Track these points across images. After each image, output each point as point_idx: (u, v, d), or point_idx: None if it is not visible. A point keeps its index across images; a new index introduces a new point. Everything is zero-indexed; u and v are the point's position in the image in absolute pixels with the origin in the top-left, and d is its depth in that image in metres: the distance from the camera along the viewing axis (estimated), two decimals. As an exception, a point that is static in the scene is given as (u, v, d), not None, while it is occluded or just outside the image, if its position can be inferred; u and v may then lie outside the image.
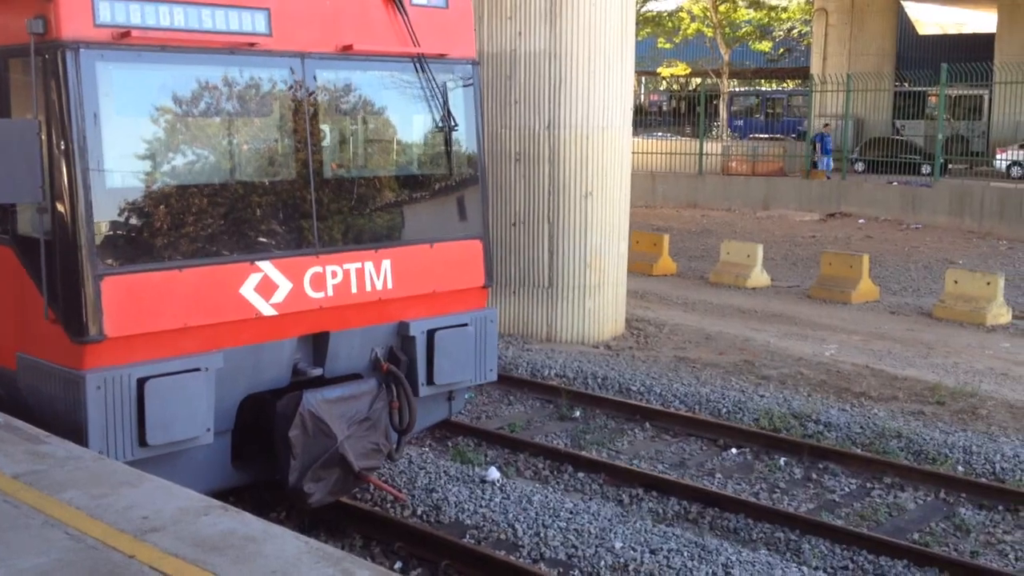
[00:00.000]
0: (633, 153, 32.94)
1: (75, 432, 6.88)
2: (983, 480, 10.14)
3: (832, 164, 33.81)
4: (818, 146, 33.95)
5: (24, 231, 7.18)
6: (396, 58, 8.29)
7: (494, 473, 9.97)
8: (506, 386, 13.31)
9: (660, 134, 43.03)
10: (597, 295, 15.68)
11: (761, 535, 9.12)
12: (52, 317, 6.95)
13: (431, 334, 8.54)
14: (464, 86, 8.77)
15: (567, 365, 14.08)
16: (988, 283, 17.21)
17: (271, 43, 7.55)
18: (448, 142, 8.71)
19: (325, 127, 8.06)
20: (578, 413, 12.42)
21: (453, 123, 8.61)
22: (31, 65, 6.73)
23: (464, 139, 8.85)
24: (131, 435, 7.03)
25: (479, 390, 13.02)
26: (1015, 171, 33.13)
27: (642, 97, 62.94)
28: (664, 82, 61.33)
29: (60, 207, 6.79)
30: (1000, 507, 9.58)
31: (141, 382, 7.01)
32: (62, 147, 6.71)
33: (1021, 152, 33.05)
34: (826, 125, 34.93)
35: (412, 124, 8.74)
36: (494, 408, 12.70)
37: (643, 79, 62.82)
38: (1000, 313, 17.14)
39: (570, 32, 14.90)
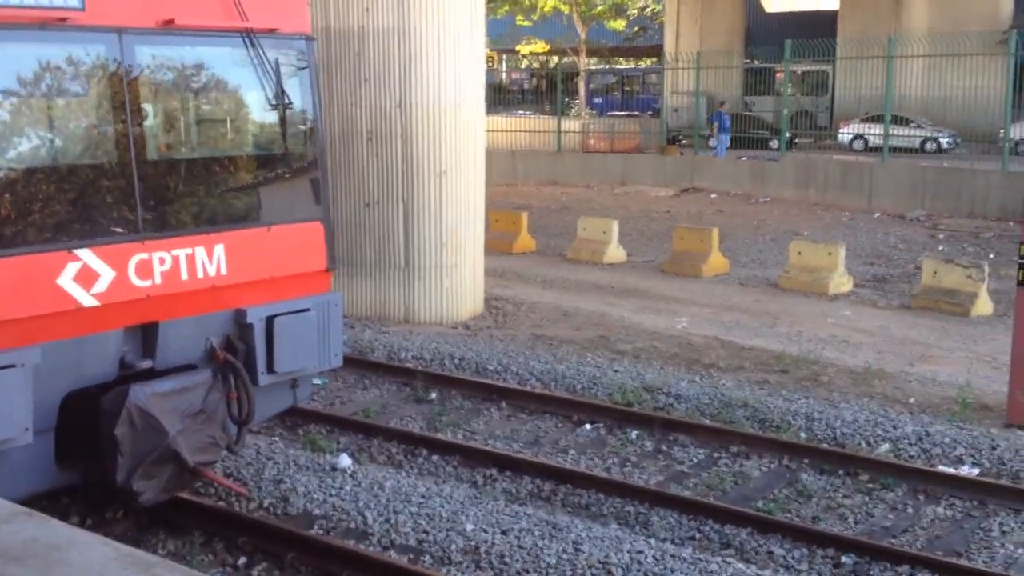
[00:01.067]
0: (492, 131, 33.19)
1: None
2: (824, 446, 10.43)
3: (728, 143, 33.50)
4: (716, 125, 33.92)
5: None
6: (223, 33, 7.91)
7: (345, 460, 9.75)
8: (361, 370, 13.08)
9: (521, 112, 43.15)
10: (454, 275, 15.56)
11: (612, 510, 9.16)
12: None
13: (270, 320, 8.22)
14: (298, 62, 8.44)
15: (424, 347, 13.92)
16: (830, 253, 17.80)
17: (84, 17, 7.09)
18: (283, 121, 8.37)
19: (147, 106, 7.63)
20: (434, 395, 12.29)
21: (287, 101, 8.28)
22: None
23: (300, 118, 8.54)
24: (-62, 438, 6.54)
25: (333, 375, 12.74)
26: (857, 144, 34.47)
27: (503, 75, 63.05)
28: (525, 60, 61.55)
29: None
30: (840, 472, 9.87)
31: (-52, 380, 6.52)
32: None
33: (863, 126, 34.37)
34: (723, 103, 35.03)
35: (243, 102, 8.37)
36: (349, 393, 12.45)
37: (504, 57, 62.93)
38: (842, 282, 17.76)
39: (418, 9, 14.67)
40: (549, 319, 16.00)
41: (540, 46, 52.95)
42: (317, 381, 12.44)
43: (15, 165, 6.96)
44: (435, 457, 10.35)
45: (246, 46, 8.04)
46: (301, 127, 8.59)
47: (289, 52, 8.36)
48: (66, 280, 7.05)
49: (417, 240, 15.24)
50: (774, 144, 33.17)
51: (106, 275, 7.25)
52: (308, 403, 11.76)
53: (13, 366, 6.80)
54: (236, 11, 7.91)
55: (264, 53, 8.12)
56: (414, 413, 11.75)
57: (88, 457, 7.66)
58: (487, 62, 55.17)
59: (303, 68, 8.48)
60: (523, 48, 54.08)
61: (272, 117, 8.37)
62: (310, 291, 8.58)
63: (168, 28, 7.55)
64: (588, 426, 11.26)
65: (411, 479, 9.47)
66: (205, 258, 7.79)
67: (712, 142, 34.07)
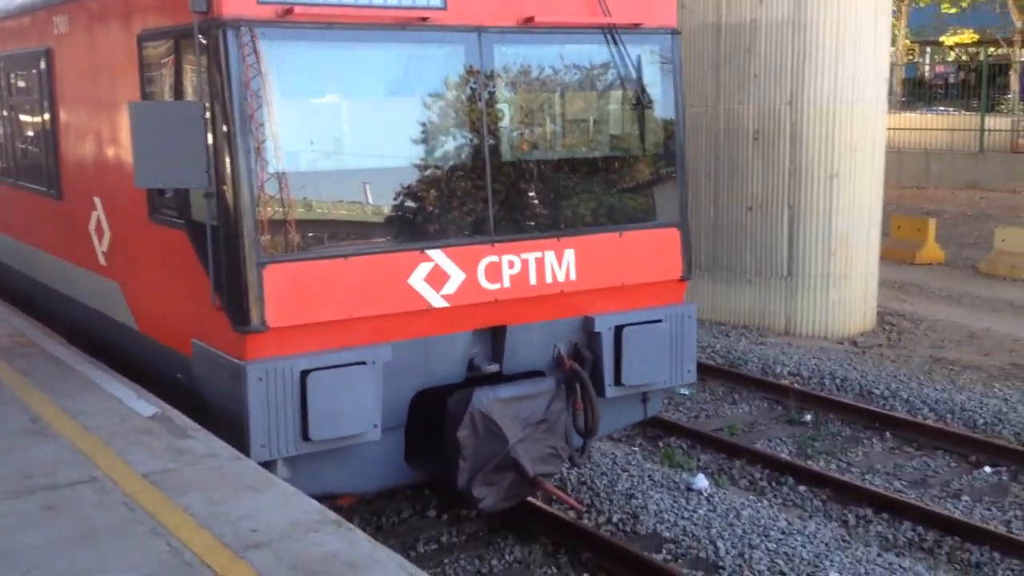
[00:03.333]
0: (904, 129, 30.68)
1: (237, 424, 6.71)
2: None
3: None
4: None
5: (194, 216, 7.09)
6: (584, 29, 7.58)
7: (702, 481, 9.16)
8: (731, 383, 12.38)
9: (941, 109, 39.62)
10: (842, 286, 14.34)
11: (1008, 573, 7.79)
12: (218, 305, 6.80)
13: (619, 330, 7.81)
14: (661, 58, 7.93)
15: (803, 363, 12.91)
16: None
17: (445, 17, 7.05)
18: (642, 120, 7.91)
19: (503, 107, 7.47)
20: (809, 417, 11.31)
21: (648, 100, 7.81)
22: (195, 45, 6.57)
23: (661, 117, 8.02)
24: (293, 429, 6.78)
25: (700, 386, 12.17)
26: None
27: (926, 69, 58.52)
28: (952, 52, 56.64)
29: (224, 192, 6.61)
30: None
31: (304, 374, 6.74)
32: (224, 130, 6.51)
33: None
34: None
35: (601, 101, 8.00)
36: (715, 407, 11.79)
37: (927, 49, 58.34)
38: None
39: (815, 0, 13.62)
40: (952, 340, 14.28)
41: (968, 36, 48.36)
42: (683, 391, 11.92)
43: (370, 167, 7.07)
44: (802, 488, 9.44)
45: (607, 42, 7.67)
46: (661, 127, 8.07)
47: (652, 48, 7.88)
48: (417, 280, 7.06)
49: (802, 247, 14.19)
50: None
51: (456, 277, 7.19)
52: (671, 414, 11.29)
53: (364, 363, 6.91)
54: (599, 6, 7.55)
55: (626, 49, 7.70)
56: (784, 435, 10.85)
57: (435, 457, 7.68)
58: (908, 55, 51.27)
59: (666, 65, 7.95)
60: (948, 39, 49.71)
61: (631, 116, 7.94)
62: (663, 301, 8.06)
63: (528, 26, 7.34)
64: (988, 469, 9.81)
65: (772, 510, 8.67)
66: (554, 263, 7.52)
67: None
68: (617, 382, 7.90)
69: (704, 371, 11.90)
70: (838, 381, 12.27)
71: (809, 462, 10.02)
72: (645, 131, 7.95)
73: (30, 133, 10.37)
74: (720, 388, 12.27)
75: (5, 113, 10.91)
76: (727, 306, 14.85)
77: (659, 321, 7.99)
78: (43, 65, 9.37)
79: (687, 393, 11.82)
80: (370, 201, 7.13)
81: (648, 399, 8.39)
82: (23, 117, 10.54)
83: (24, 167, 10.53)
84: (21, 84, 10.39)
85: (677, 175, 8.09)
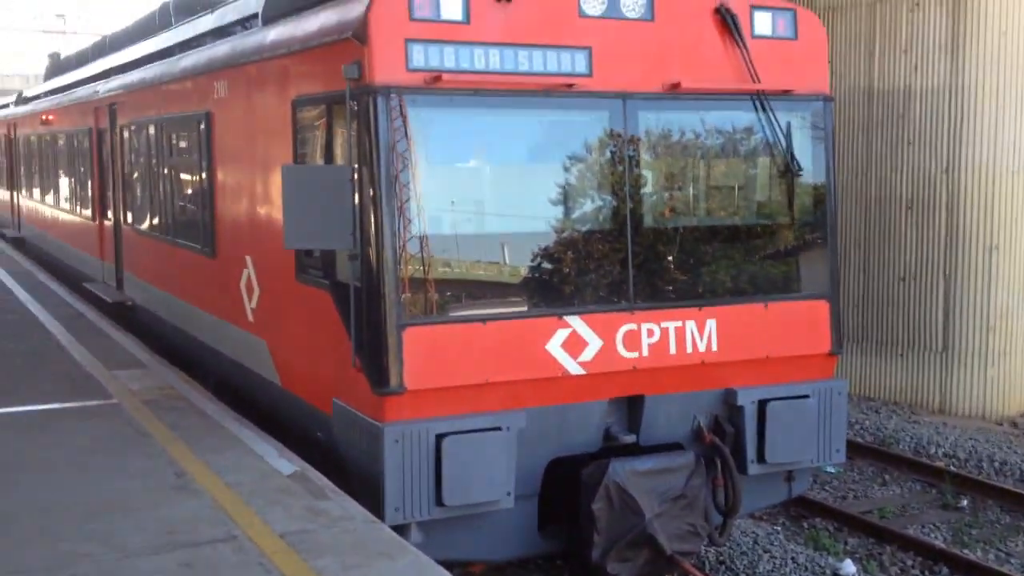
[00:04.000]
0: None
1: (373, 485, 6.71)
2: None
3: None
4: None
5: (338, 277, 7.19)
6: (732, 95, 7.45)
7: (850, 567, 8.70)
8: (881, 462, 11.81)
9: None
10: (1003, 363, 13.58)
11: None
12: (358, 365, 6.86)
13: (763, 404, 7.53)
14: (813, 125, 7.71)
15: (959, 444, 12.22)
16: None
17: (591, 83, 7.03)
18: (791, 188, 7.69)
19: (647, 172, 7.38)
20: (965, 503, 10.66)
21: (797, 166, 7.59)
22: (346, 110, 6.72)
23: (810, 184, 7.78)
24: (428, 493, 6.74)
25: (849, 465, 11.63)
26: None
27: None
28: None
29: (368, 254, 6.69)
30: None
31: (440, 438, 6.71)
32: (371, 193, 6.61)
33: None
34: None
35: (748, 168, 7.81)
36: (864, 487, 11.23)
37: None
38: None
39: (974, 64, 13.18)
40: None
41: None
42: (830, 469, 11.42)
43: (511, 230, 7.06)
44: (957, 579, 8.85)
45: (756, 108, 7.51)
46: (811, 195, 7.83)
47: (803, 114, 7.69)
48: (554, 346, 6.98)
49: (959, 321, 13.53)
50: None
51: (594, 344, 7.08)
52: (816, 493, 10.80)
53: (499, 429, 6.84)
54: (748, 72, 7.41)
55: (775, 116, 7.53)
56: (938, 521, 10.24)
57: (568, 528, 7.51)
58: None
59: (818, 131, 7.73)
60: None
61: (779, 184, 7.73)
62: (810, 375, 7.75)
63: (674, 92, 7.25)
64: None
65: (926, 602, 8.15)
66: (695, 332, 7.32)
67: None
68: (760, 459, 7.60)
69: (852, 449, 11.38)
70: (997, 464, 11.56)
71: (965, 551, 9.41)
72: (793, 199, 7.72)
73: (188, 193, 10.81)
74: (869, 468, 11.71)
75: (165, 172, 11.42)
76: (876, 380, 14.25)
77: (806, 396, 7.67)
78: (203, 128, 9.78)
79: (834, 472, 11.31)
80: (509, 265, 7.11)
81: (793, 478, 8.03)
82: (182, 177, 11.01)
83: (180, 225, 10.98)
84: (181, 145, 10.87)
85: (827, 245, 7.81)
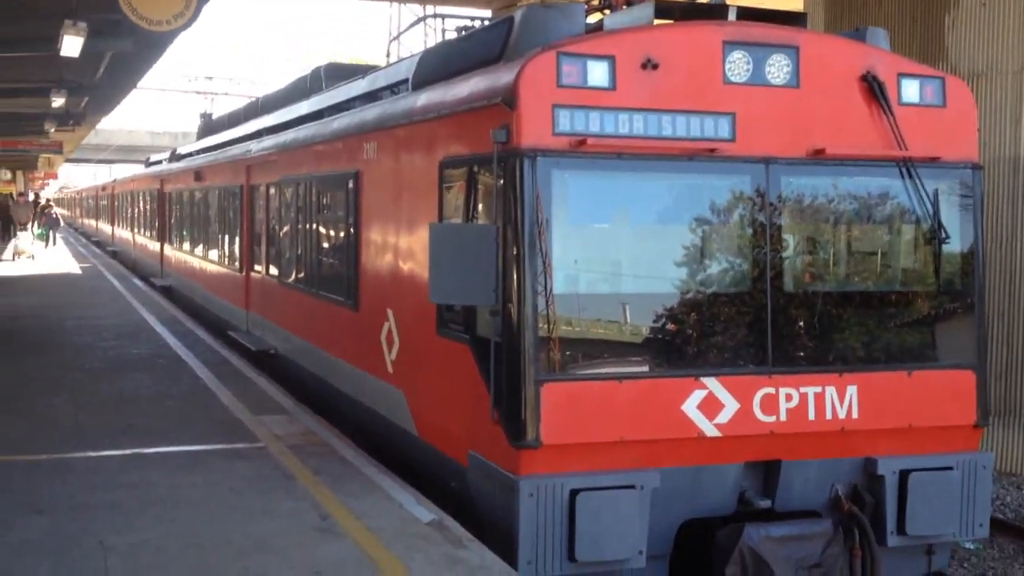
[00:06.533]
0: None
1: (507, 537, 6.82)
2: None
3: None
4: None
5: (479, 332, 7.39)
6: (876, 162, 7.43)
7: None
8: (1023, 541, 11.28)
9: None
10: None
11: None
12: (496, 419, 7.01)
13: (904, 475, 7.37)
14: (960, 193, 7.61)
15: (1107, 525, 11.61)
16: None
17: (734, 148, 7.12)
18: (937, 256, 7.57)
19: (788, 237, 7.39)
20: (1114, 588, 10.10)
21: (944, 235, 7.49)
22: (493, 172, 6.96)
23: (958, 253, 7.65)
24: (561, 548, 6.80)
25: (990, 542, 11.17)
26: None
27: None
28: None
29: (509, 310, 6.87)
30: None
31: (574, 493, 6.78)
32: (515, 252, 6.80)
33: None
34: None
35: (893, 235, 7.73)
36: (1004, 566, 10.78)
37: None
38: None
39: None
40: None
41: None
42: (969, 546, 11.00)
43: (650, 291, 7.15)
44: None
45: (902, 176, 7.47)
46: (958, 264, 7.69)
47: (951, 182, 7.60)
48: (690, 407, 7.01)
49: (1109, 397, 12.93)
50: None
51: (730, 406, 7.08)
52: (954, 570, 10.41)
53: (633, 487, 6.88)
54: (894, 138, 7.39)
55: (922, 183, 7.47)
56: (1086, 606, 9.75)
57: (703, 591, 7.46)
58: None
59: (965, 199, 7.62)
60: None
61: (925, 252, 7.64)
62: (954, 447, 7.56)
63: (818, 158, 7.28)
64: None
65: None
66: (835, 398, 7.25)
67: None
68: (900, 531, 7.41)
69: (993, 526, 10.89)
70: None
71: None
72: (940, 267, 7.60)
73: (333, 248, 11.24)
74: (1011, 546, 11.22)
75: (312, 228, 11.90)
76: (1020, 455, 13.67)
77: (950, 468, 7.48)
78: (351, 186, 10.20)
79: (973, 548, 10.89)
80: (647, 325, 7.19)
81: (933, 552, 7.79)
82: (329, 232, 11.46)
83: (325, 278, 11.40)
84: (329, 202, 11.33)
85: (975, 314, 7.66)
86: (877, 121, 7.40)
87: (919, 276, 7.73)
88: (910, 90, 7.46)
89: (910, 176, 7.49)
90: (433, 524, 6.86)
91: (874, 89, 7.32)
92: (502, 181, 6.90)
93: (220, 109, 31.77)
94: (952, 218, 7.61)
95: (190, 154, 23.92)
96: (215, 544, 6.50)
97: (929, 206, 7.52)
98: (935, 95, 7.55)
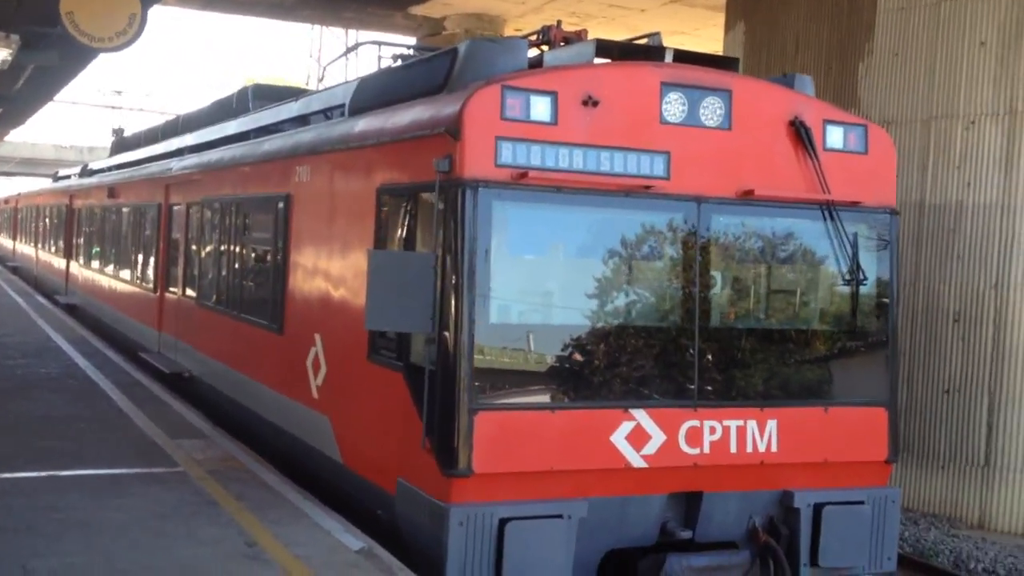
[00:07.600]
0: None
1: (434, 566, 6.85)
2: None
3: None
4: None
5: (412, 359, 7.43)
6: (802, 204, 7.74)
7: None
8: (921, 575, 11.68)
9: None
10: (1047, 481, 13.47)
11: None
12: (427, 447, 7.05)
13: (818, 508, 7.63)
14: (879, 237, 7.97)
15: (999, 559, 12.12)
16: None
17: (668, 186, 7.34)
18: (855, 297, 7.90)
19: (716, 274, 7.64)
20: (1009, 620, 10.55)
21: (862, 276, 7.82)
22: (434, 201, 7.04)
23: (874, 294, 8.00)
24: (488, 576, 6.87)
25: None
26: None
27: None
28: None
29: (445, 338, 6.94)
30: None
31: (503, 523, 6.85)
32: (453, 280, 6.88)
33: None
34: None
35: (814, 275, 8.05)
36: (906, 600, 11.16)
37: None
38: None
39: (1026, 183, 13.37)
40: None
41: None
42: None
43: (582, 323, 7.30)
44: None
45: (824, 218, 7.78)
46: (874, 305, 8.04)
47: (870, 226, 7.95)
48: (619, 438, 7.15)
49: (1003, 436, 13.48)
50: None
51: (657, 438, 7.25)
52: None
53: (560, 516, 6.98)
54: (818, 182, 7.71)
55: (843, 227, 7.79)
56: (982, 638, 10.15)
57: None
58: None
59: (883, 243, 7.98)
60: None
61: (843, 292, 7.96)
62: (865, 482, 7.86)
63: (747, 199, 7.55)
64: None
65: None
66: (756, 432, 7.48)
67: None
68: (814, 562, 7.67)
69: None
70: (1041, 584, 11.44)
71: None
72: (857, 307, 7.93)
73: (259, 270, 11.13)
74: (909, 580, 11.63)
75: (238, 249, 11.76)
76: (915, 491, 14.16)
77: (861, 503, 7.77)
78: (281, 208, 10.14)
79: (876, 582, 11.24)
80: (579, 357, 7.32)
81: (843, 584, 8.07)
82: (255, 254, 11.35)
83: (248, 301, 11.27)
84: (256, 224, 11.23)
85: (888, 354, 8.00)
86: (803, 165, 7.71)
87: (838, 316, 8.05)
88: (834, 136, 7.79)
89: (832, 219, 7.81)
90: (363, 552, 6.84)
91: (801, 134, 7.63)
92: (443, 210, 6.98)
93: (134, 125, 31.14)
94: (870, 261, 7.95)
95: (103, 170, 23.39)
96: (139, 569, 6.38)
97: (849, 248, 7.84)
98: (857, 142, 7.90)
